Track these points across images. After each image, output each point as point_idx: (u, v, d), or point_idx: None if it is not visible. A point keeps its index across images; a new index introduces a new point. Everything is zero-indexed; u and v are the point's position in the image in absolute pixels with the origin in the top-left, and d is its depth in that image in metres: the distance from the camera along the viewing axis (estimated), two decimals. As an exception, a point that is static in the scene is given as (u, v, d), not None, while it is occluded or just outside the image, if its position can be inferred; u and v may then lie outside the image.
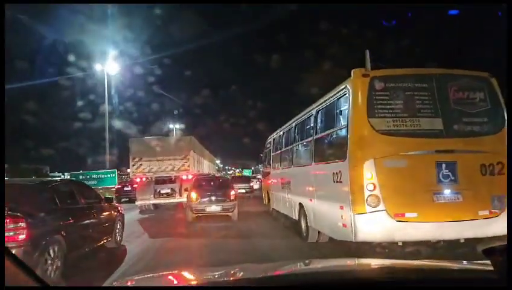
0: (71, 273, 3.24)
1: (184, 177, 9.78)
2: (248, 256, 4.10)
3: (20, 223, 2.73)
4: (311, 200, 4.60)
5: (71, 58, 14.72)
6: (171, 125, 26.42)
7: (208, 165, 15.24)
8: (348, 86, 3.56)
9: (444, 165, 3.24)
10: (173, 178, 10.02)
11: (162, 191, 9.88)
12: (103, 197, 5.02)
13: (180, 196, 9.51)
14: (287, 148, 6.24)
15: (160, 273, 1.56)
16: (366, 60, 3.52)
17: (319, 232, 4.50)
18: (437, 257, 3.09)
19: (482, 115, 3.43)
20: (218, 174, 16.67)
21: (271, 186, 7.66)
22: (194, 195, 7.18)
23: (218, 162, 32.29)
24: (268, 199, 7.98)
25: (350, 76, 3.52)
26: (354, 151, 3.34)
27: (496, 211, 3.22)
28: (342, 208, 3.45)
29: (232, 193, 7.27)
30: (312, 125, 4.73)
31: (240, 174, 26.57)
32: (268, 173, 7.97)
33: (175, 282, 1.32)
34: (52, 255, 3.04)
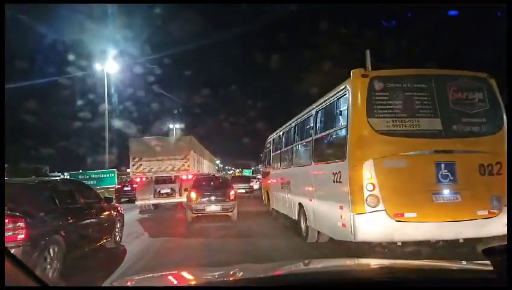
0: (70, 273, 3.24)
1: (184, 177, 9.79)
2: (248, 256, 4.10)
3: (19, 223, 2.73)
4: (310, 200, 4.61)
5: (71, 57, 14.75)
6: (171, 125, 26.47)
7: (207, 165, 15.24)
8: (347, 86, 3.56)
9: (443, 166, 3.25)
10: (173, 178, 10.02)
11: (162, 191, 9.88)
12: (103, 197, 5.02)
13: (180, 195, 9.51)
14: (287, 148, 6.24)
15: (160, 274, 1.56)
16: (366, 60, 3.53)
17: (318, 232, 4.51)
18: (437, 257, 3.10)
19: (480, 115, 3.44)
20: (218, 174, 16.65)
21: (271, 186, 7.66)
22: (193, 195, 7.18)
23: (218, 162, 32.32)
24: (268, 199, 7.99)
25: (350, 76, 3.52)
26: (353, 152, 3.34)
27: (495, 211, 3.23)
28: (341, 208, 3.45)
29: (232, 192, 7.27)
30: (312, 125, 4.73)
31: (240, 174, 26.56)
32: (268, 173, 7.98)
33: (175, 282, 1.32)
34: (51, 255, 3.04)
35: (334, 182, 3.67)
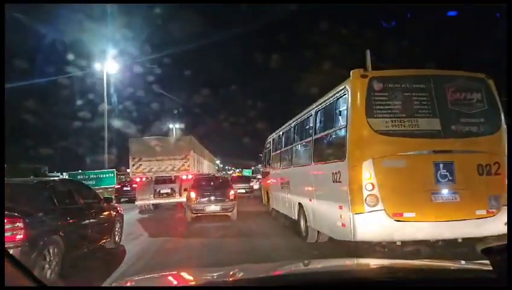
0: (70, 273, 3.23)
1: (184, 177, 9.78)
2: (248, 256, 4.10)
3: (18, 223, 2.72)
4: (310, 200, 4.61)
5: (70, 57, 14.73)
6: (170, 125, 26.43)
7: (207, 165, 15.24)
8: (346, 86, 3.57)
9: (441, 165, 3.26)
10: (173, 178, 10.02)
11: (161, 191, 9.88)
12: (102, 197, 5.01)
13: (180, 195, 9.51)
14: (287, 148, 6.25)
15: (160, 274, 1.56)
16: (366, 60, 3.54)
17: (318, 232, 4.51)
18: (436, 257, 3.10)
19: (479, 115, 3.46)
20: (218, 174, 16.66)
21: (270, 186, 7.67)
22: (193, 195, 7.18)
23: (218, 162, 32.32)
24: (268, 199, 7.99)
25: (349, 76, 3.53)
26: (353, 151, 3.35)
27: (493, 210, 3.24)
28: (341, 207, 3.46)
29: (231, 192, 7.27)
30: (311, 125, 4.74)
31: (240, 174, 26.55)
32: (268, 173, 7.98)
33: (175, 282, 1.32)
34: (50, 255, 3.03)
35: (333, 181, 3.68)
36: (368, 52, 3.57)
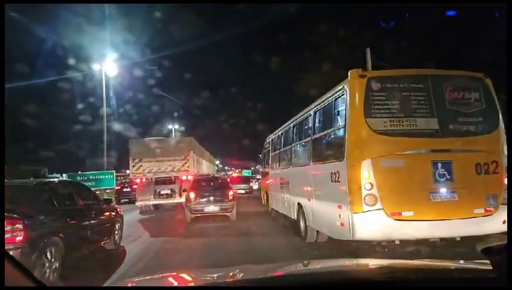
0: (70, 274, 3.23)
1: (184, 177, 9.81)
2: (248, 256, 4.11)
3: (17, 225, 2.72)
4: (309, 200, 4.62)
5: (70, 60, 14.72)
6: (170, 127, 26.41)
7: (207, 166, 15.25)
8: (345, 86, 3.58)
9: (439, 165, 3.27)
10: (173, 179, 10.05)
11: (162, 192, 9.90)
12: (102, 199, 5.01)
13: (180, 196, 9.53)
14: (286, 148, 6.26)
15: (160, 275, 1.56)
16: (367, 59, 3.55)
17: (317, 231, 4.52)
18: (436, 257, 3.11)
19: (476, 114, 3.47)
20: (218, 175, 16.68)
21: (270, 186, 7.68)
22: (192, 195, 7.19)
23: (217, 162, 32.29)
24: (267, 199, 8.00)
25: (348, 76, 3.55)
26: (351, 151, 3.36)
27: (491, 209, 3.26)
28: (340, 207, 3.47)
29: (230, 193, 7.28)
30: (310, 125, 4.75)
31: (240, 175, 26.55)
32: (267, 173, 7.99)
33: (175, 283, 1.33)
34: (49, 257, 3.04)
35: (332, 181, 3.69)
36: (368, 50, 3.59)
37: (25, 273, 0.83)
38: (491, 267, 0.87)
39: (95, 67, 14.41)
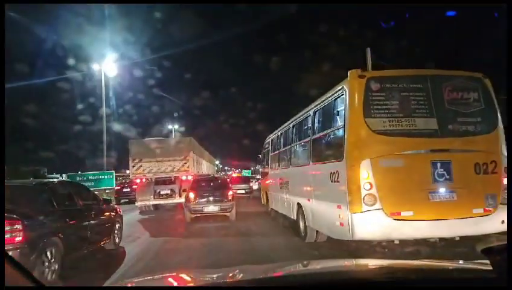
0: (69, 275, 3.23)
1: (184, 178, 9.81)
2: (247, 256, 4.11)
3: (17, 225, 2.72)
4: (309, 200, 4.62)
5: (70, 60, 14.71)
6: (170, 127, 26.40)
7: (207, 166, 15.26)
8: (344, 86, 3.59)
9: (439, 165, 3.28)
10: (173, 179, 10.06)
11: (161, 192, 9.91)
12: (101, 199, 5.01)
13: (180, 196, 9.54)
14: (285, 148, 6.26)
15: (160, 275, 1.57)
16: (367, 58, 3.56)
17: (317, 231, 4.52)
18: (436, 257, 3.11)
19: (475, 114, 3.48)
20: (217, 175, 16.69)
21: (269, 186, 7.68)
22: (191, 195, 7.19)
23: (217, 162, 32.30)
24: (267, 199, 8.00)
25: (347, 77, 3.55)
26: (351, 151, 3.37)
27: (490, 209, 3.26)
28: (339, 207, 3.47)
29: (230, 193, 7.29)
30: (309, 125, 4.75)
31: (240, 175, 26.56)
32: (267, 174, 7.99)
33: (175, 284, 1.33)
34: (49, 257, 3.04)
35: (332, 181, 3.69)
36: (369, 50, 3.59)
37: (24, 274, 0.83)
38: (491, 268, 0.87)
39: (95, 67, 14.40)
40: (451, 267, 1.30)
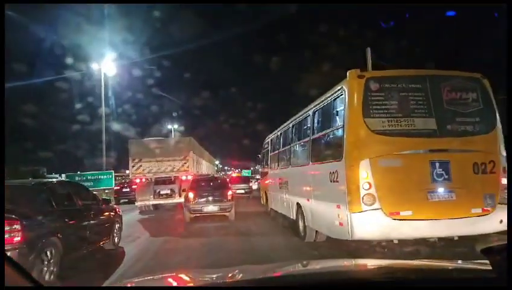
0: (68, 275, 3.23)
1: (184, 177, 9.82)
2: (247, 256, 4.11)
3: (15, 226, 2.72)
4: (308, 200, 4.63)
5: (69, 59, 14.69)
6: (170, 127, 26.38)
7: (207, 166, 15.26)
8: (343, 86, 3.60)
9: (437, 164, 3.28)
10: (173, 179, 10.06)
11: (161, 192, 9.92)
12: (101, 199, 5.01)
13: (180, 196, 9.54)
14: (285, 148, 6.26)
15: (159, 276, 1.57)
16: (367, 58, 3.56)
17: (316, 231, 4.53)
18: (436, 257, 3.12)
19: (474, 115, 3.49)
20: (217, 175, 16.70)
21: (269, 186, 7.69)
22: (191, 195, 7.20)
23: (217, 162, 32.31)
24: (266, 199, 8.01)
25: (347, 77, 3.55)
26: (350, 151, 3.37)
27: (488, 209, 3.27)
28: (338, 207, 3.48)
29: (229, 193, 7.29)
30: (309, 125, 4.76)
31: (239, 175, 26.56)
32: (266, 173, 8.00)
33: (174, 284, 1.33)
34: (48, 257, 3.04)
35: (331, 181, 3.70)
36: (369, 50, 3.59)
37: (22, 274, 0.83)
38: (490, 268, 0.87)
39: (94, 67, 14.38)
40: (450, 267, 1.31)
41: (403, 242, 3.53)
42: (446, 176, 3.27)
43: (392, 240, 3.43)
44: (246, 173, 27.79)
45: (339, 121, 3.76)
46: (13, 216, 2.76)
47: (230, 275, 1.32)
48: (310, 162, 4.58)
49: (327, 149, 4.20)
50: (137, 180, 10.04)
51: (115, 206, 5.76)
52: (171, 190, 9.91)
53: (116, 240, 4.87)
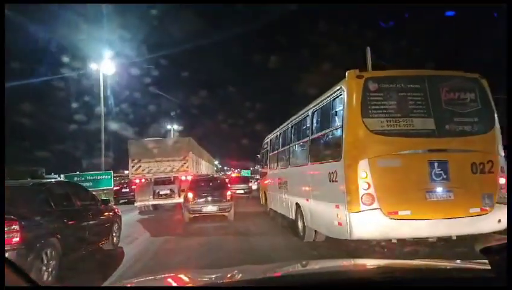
0: (67, 275, 3.23)
1: (183, 178, 9.82)
2: (246, 256, 4.11)
3: (14, 226, 2.71)
4: (307, 199, 4.64)
5: (67, 59, 14.66)
6: (169, 126, 26.35)
7: (206, 166, 15.25)
8: (342, 87, 3.60)
9: (436, 164, 3.30)
10: (172, 179, 10.06)
11: (161, 192, 9.92)
12: (100, 199, 5.00)
13: (179, 196, 9.54)
14: (284, 148, 6.27)
15: (159, 276, 1.56)
16: (367, 57, 3.57)
17: (315, 231, 4.54)
18: (435, 257, 3.12)
19: (472, 115, 3.50)
20: (216, 175, 16.70)
21: (268, 186, 7.69)
22: (190, 195, 7.20)
23: (216, 162, 32.29)
24: (266, 199, 8.01)
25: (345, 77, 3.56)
26: (349, 151, 3.38)
27: (486, 208, 3.29)
28: (337, 207, 3.49)
29: (228, 193, 7.30)
30: (308, 125, 4.77)
31: (239, 175, 26.54)
32: (265, 174, 8.00)
33: (173, 284, 1.33)
34: (47, 258, 3.03)
35: (330, 181, 3.71)
36: (368, 49, 3.60)
37: (19, 274, 0.83)
38: (489, 267, 0.87)
39: (93, 66, 14.33)
40: (449, 267, 1.31)
41: (402, 242, 3.54)
42: (444, 176, 3.28)
43: (390, 240, 3.44)
44: (245, 173, 27.76)
45: (337, 121, 3.77)
46: (12, 217, 2.75)
47: (229, 275, 1.32)
48: (309, 162, 4.58)
49: (326, 149, 4.21)
50: (137, 181, 10.03)
51: (114, 206, 5.75)
52: (171, 190, 9.91)
53: (115, 240, 4.86)
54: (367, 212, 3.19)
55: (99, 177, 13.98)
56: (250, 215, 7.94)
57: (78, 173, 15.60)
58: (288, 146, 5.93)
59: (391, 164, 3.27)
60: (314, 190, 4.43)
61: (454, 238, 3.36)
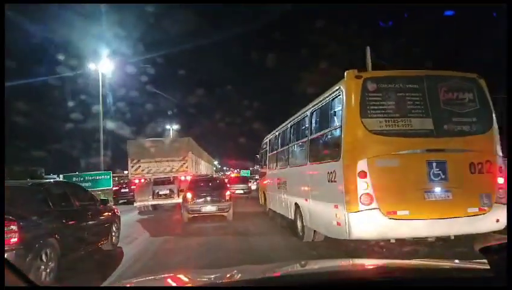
0: (66, 276, 3.23)
1: (182, 178, 9.82)
2: (246, 256, 4.12)
3: (12, 227, 2.71)
4: (306, 200, 4.64)
5: (64, 58, 14.64)
6: (167, 126, 26.30)
7: (205, 166, 15.25)
8: (341, 87, 3.61)
9: (434, 164, 3.31)
10: (172, 179, 10.07)
11: (160, 192, 9.92)
12: (98, 199, 5.00)
13: (179, 196, 9.54)
14: (283, 148, 6.28)
15: (158, 276, 1.56)
16: (367, 57, 3.57)
17: (314, 231, 4.54)
18: (434, 256, 3.13)
19: (470, 115, 3.51)
20: (216, 175, 16.68)
21: (267, 186, 7.70)
22: (189, 195, 7.20)
23: (216, 162, 32.28)
24: (265, 199, 8.02)
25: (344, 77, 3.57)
26: (347, 151, 3.39)
27: (485, 208, 3.30)
28: (336, 207, 3.49)
29: (227, 193, 7.30)
30: (307, 126, 4.78)
31: (238, 175, 26.53)
32: (265, 174, 8.01)
33: (173, 284, 1.33)
34: (46, 258, 3.02)
35: (329, 181, 3.71)
36: (368, 49, 3.60)
37: (18, 274, 0.83)
38: (489, 267, 0.87)
39: (90, 65, 14.30)
40: (449, 267, 1.31)
41: (401, 242, 3.55)
42: (443, 176, 3.29)
43: (389, 240, 3.45)
44: (244, 173, 27.74)
45: (336, 121, 3.78)
46: (10, 217, 2.75)
47: (228, 275, 1.32)
48: (308, 162, 4.59)
49: (325, 149, 4.22)
50: (136, 181, 10.03)
51: (113, 206, 5.74)
52: (170, 190, 9.91)
53: (114, 240, 4.85)
54: (366, 212, 3.20)
55: (98, 177, 13.95)
56: (249, 215, 7.94)
57: (77, 173, 15.55)
58: (287, 146, 5.93)
59: (390, 164, 3.27)
60: (313, 190, 4.44)
61: (453, 238, 3.37)
